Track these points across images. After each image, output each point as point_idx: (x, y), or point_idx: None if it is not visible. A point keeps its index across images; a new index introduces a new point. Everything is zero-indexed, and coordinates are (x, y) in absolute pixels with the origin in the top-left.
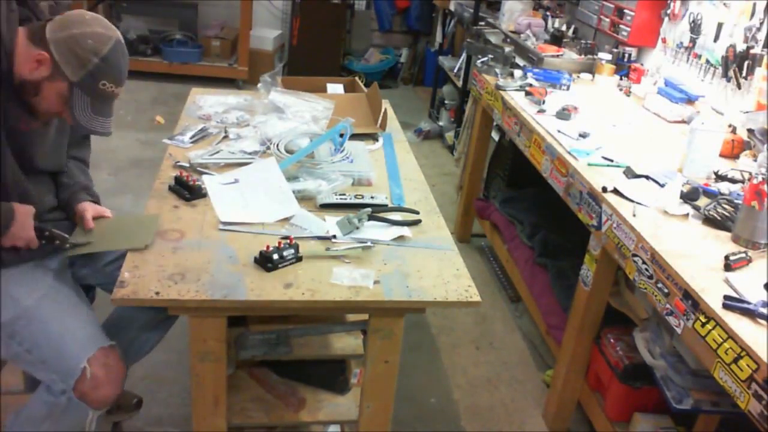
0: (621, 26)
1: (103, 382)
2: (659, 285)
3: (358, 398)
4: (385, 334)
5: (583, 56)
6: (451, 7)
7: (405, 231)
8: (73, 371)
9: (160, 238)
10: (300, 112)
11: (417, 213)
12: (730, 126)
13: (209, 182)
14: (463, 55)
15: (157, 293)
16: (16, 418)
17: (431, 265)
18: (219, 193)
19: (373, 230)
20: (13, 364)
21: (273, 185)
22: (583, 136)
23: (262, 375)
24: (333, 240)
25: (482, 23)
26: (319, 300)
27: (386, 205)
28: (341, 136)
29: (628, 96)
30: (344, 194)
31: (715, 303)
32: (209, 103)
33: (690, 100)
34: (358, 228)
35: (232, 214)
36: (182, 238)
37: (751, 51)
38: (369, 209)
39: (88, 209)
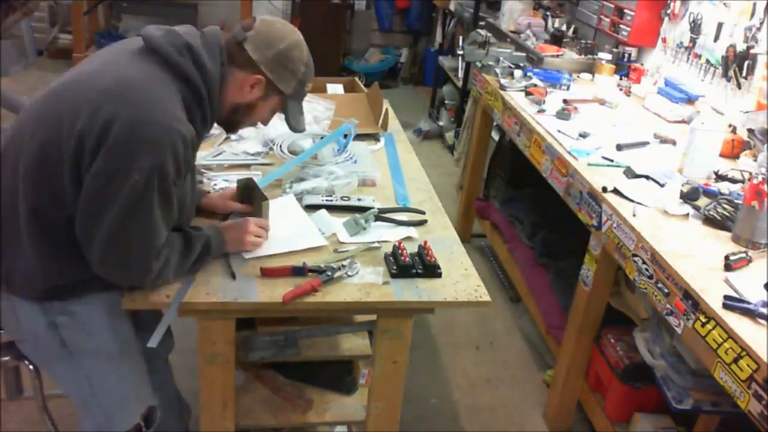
0: (621, 26)
1: None
2: (659, 285)
3: (365, 399)
4: (393, 335)
5: (583, 56)
6: (451, 7)
7: (411, 231)
8: (126, 425)
9: None
10: None
11: (423, 213)
12: (730, 126)
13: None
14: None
15: (168, 296)
16: None
17: (439, 265)
18: None
19: (380, 231)
20: (64, 389)
21: (294, 219)
22: (583, 136)
23: (269, 377)
24: (341, 241)
25: (482, 23)
26: (329, 301)
27: (373, 208)
28: (345, 137)
29: (628, 96)
30: (330, 196)
31: (715, 303)
32: None
33: (690, 100)
34: (365, 229)
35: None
36: None
37: (751, 51)
38: (375, 210)
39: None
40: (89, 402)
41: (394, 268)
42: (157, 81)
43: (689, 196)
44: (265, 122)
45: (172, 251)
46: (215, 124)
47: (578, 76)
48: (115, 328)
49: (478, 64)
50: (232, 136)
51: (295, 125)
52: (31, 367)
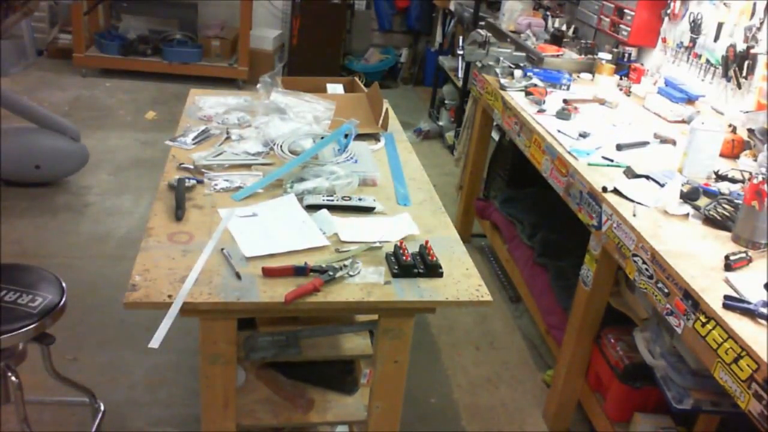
0: (621, 26)
1: None
2: (659, 285)
3: (366, 398)
4: (395, 334)
5: (583, 56)
6: (451, 7)
7: (413, 230)
8: None
9: (169, 240)
10: (302, 113)
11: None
12: (730, 126)
13: (227, 215)
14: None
15: (170, 296)
16: None
17: (441, 265)
18: (239, 227)
19: (380, 229)
20: None
21: (295, 219)
22: (583, 136)
23: (271, 376)
24: (342, 241)
25: (482, 23)
26: (331, 301)
27: (374, 208)
28: (346, 137)
29: (628, 96)
30: (331, 196)
31: (715, 303)
32: (209, 104)
33: (690, 100)
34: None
35: (256, 248)
36: (191, 241)
37: (751, 51)
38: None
39: None
40: None
41: (396, 267)
42: None
43: (689, 196)
44: None
45: None
46: None
47: (578, 76)
48: None
49: (478, 64)
50: (233, 136)
51: None
52: (14, 378)
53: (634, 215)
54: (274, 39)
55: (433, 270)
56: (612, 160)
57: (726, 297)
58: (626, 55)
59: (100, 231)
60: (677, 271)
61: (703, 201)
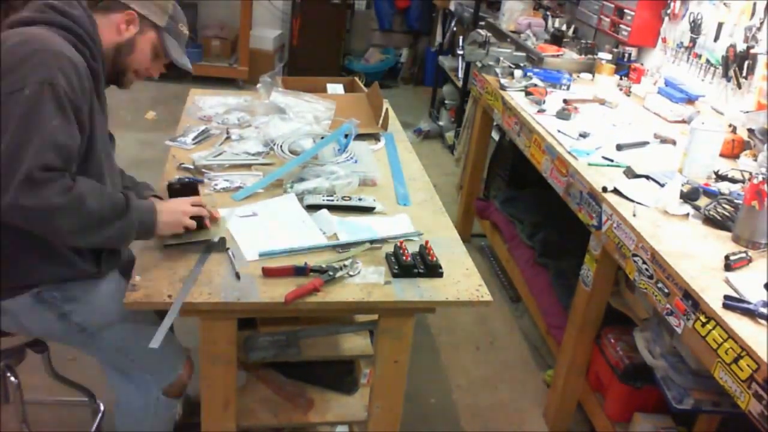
0: (621, 26)
1: (186, 383)
2: (659, 285)
3: (366, 398)
4: (395, 335)
5: (583, 56)
6: (451, 7)
7: (412, 230)
8: (171, 377)
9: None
10: (302, 113)
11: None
12: (730, 126)
13: (227, 216)
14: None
15: (170, 296)
16: (120, 419)
17: (441, 265)
18: (240, 228)
19: (380, 228)
20: (100, 362)
21: (295, 219)
22: (583, 136)
23: (271, 376)
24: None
25: (482, 23)
26: (331, 301)
27: (374, 208)
28: (346, 137)
29: (628, 96)
30: (331, 196)
31: (715, 303)
32: (209, 104)
33: (690, 100)
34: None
35: (257, 247)
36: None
37: (751, 51)
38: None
39: None
40: (131, 369)
41: (396, 267)
42: (39, 30)
43: (689, 196)
44: (148, 66)
45: (101, 191)
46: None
47: (578, 76)
48: (118, 295)
49: (478, 64)
50: (233, 136)
51: (178, 58)
52: (13, 378)
53: (634, 215)
54: (274, 39)
55: (433, 270)
56: (612, 160)
57: (726, 297)
58: (626, 55)
59: None
60: (677, 271)
61: (703, 201)
